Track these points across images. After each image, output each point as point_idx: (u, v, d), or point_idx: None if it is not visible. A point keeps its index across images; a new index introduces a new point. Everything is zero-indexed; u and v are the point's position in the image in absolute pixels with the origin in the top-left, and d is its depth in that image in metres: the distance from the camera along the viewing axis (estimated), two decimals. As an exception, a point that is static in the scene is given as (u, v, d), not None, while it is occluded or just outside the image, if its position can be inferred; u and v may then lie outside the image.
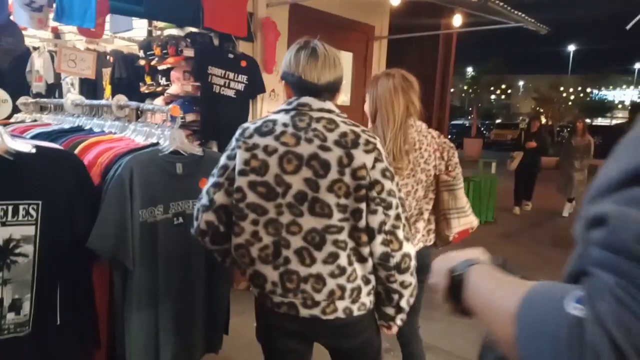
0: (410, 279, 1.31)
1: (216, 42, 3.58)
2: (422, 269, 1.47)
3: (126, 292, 1.56)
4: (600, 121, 33.98)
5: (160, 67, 3.82)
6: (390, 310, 1.35)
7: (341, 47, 4.50)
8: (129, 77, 4.14)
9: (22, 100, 2.82)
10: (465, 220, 1.94)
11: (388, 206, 1.25)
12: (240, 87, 3.55)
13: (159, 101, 3.71)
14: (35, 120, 2.63)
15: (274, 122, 1.27)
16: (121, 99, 1.96)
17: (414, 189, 1.85)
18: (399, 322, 1.38)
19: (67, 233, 1.45)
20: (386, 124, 1.78)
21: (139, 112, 1.95)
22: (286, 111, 1.29)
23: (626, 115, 35.03)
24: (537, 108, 32.63)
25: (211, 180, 1.31)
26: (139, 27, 4.16)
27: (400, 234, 1.27)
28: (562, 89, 32.02)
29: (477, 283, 0.62)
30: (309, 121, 1.25)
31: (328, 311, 1.28)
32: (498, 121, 32.85)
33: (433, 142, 1.88)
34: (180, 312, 1.71)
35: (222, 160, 1.30)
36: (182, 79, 3.51)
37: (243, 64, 3.55)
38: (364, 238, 1.25)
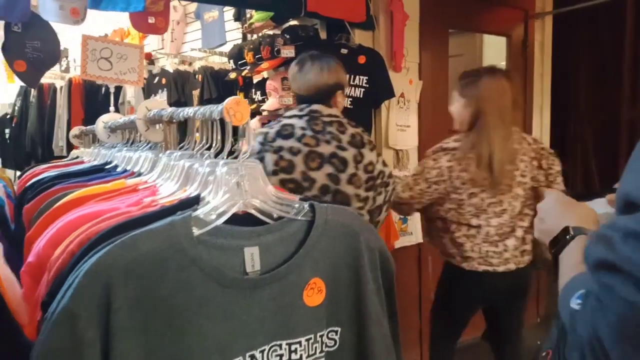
0: None
1: (323, 35, 2.60)
2: (518, 292, 1.75)
3: None
4: None
5: (255, 79, 2.98)
6: None
7: (490, 29, 3.28)
8: (220, 97, 3.37)
9: (74, 132, 2.21)
10: None
11: (386, 184, 1.59)
12: (359, 92, 2.51)
13: (254, 123, 2.82)
14: (76, 157, 1.90)
15: (292, 126, 1.48)
16: (153, 106, 1.01)
17: (510, 205, 1.72)
18: None
19: None
20: (494, 131, 1.63)
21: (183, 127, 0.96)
22: (299, 116, 1.50)
23: None
24: None
25: None
26: (236, 39, 3.41)
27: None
28: None
29: (568, 253, 0.72)
30: (323, 125, 1.49)
31: None
32: None
33: (529, 150, 1.76)
34: None
35: None
36: (281, 89, 2.58)
37: (361, 60, 2.51)
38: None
